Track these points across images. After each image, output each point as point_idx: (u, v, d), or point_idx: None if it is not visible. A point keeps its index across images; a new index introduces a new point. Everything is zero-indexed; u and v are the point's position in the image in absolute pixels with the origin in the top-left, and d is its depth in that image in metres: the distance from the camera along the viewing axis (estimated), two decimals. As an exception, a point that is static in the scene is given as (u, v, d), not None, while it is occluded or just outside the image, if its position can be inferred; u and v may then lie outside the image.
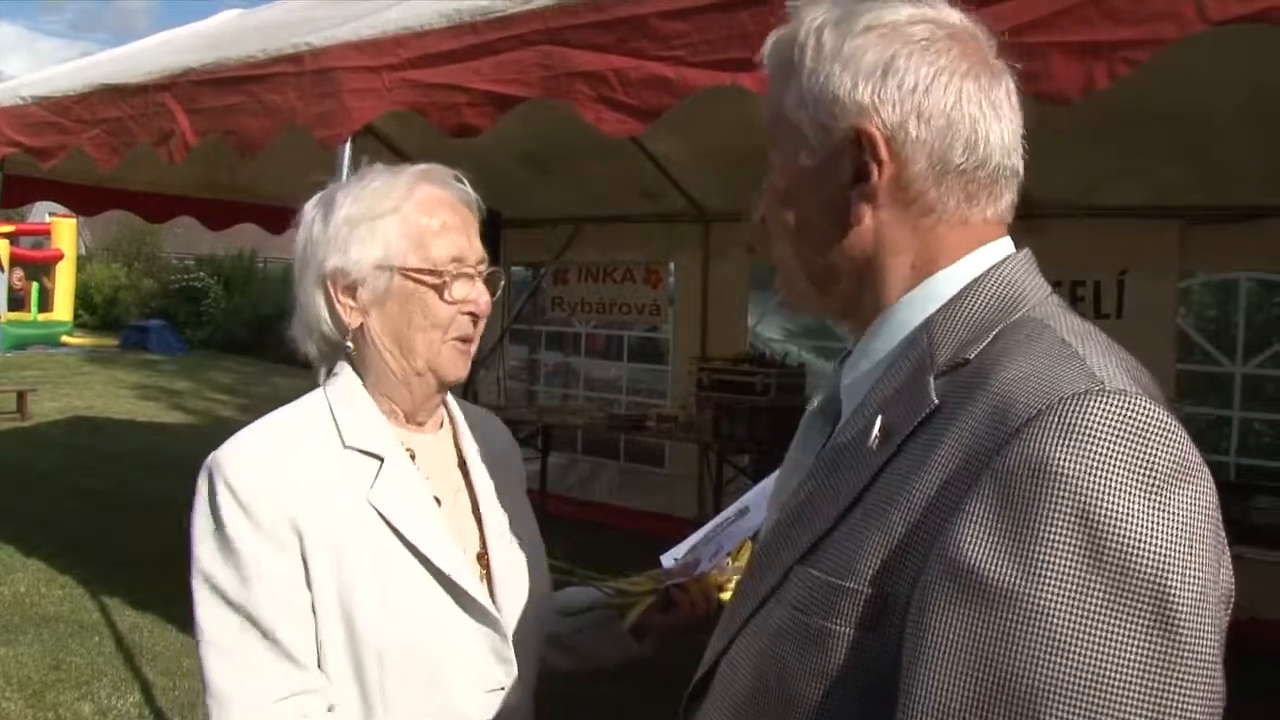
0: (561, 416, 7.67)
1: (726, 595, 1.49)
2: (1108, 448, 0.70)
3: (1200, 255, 5.45)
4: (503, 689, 1.36)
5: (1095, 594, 0.67)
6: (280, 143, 3.26)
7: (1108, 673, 0.66)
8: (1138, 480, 0.69)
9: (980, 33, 0.92)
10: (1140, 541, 0.67)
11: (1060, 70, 1.83)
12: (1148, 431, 0.71)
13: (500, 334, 8.11)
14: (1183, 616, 0.67)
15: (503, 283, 1.44)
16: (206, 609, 1.24)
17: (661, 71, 2.34)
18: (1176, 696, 0.67)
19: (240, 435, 1.30)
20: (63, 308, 19.79)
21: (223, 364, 18.48)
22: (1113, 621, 0.67)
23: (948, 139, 0.87)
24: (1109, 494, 0.68)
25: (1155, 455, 0.70)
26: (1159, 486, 0.69)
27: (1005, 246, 0.92)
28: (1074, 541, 0.68)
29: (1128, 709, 0.66)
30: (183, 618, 4.73)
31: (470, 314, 1.36)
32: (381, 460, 1.31)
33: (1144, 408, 0.72)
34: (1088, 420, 0.71)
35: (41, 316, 19.36)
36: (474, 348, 1.40)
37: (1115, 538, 0.67)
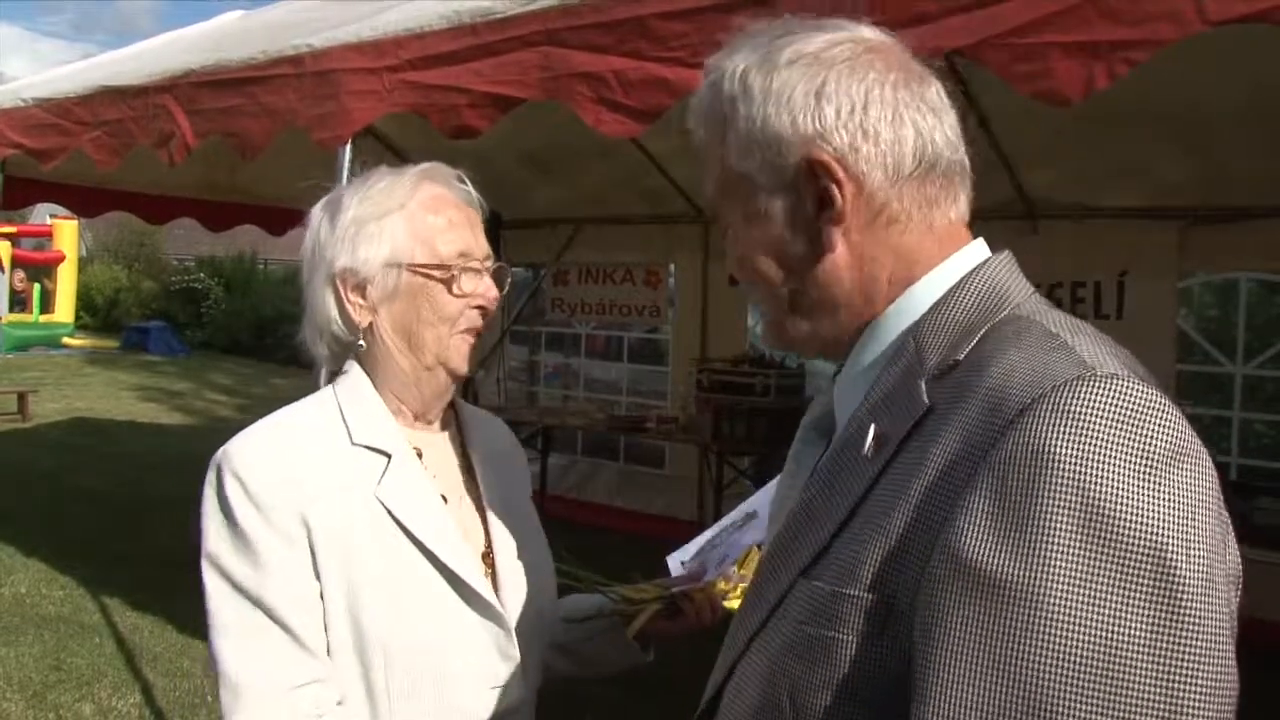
0: (561, 417, 7.67)
1: (733, 604, 1.49)
2: (1104, 432, 0.70)
3: (1200, 256, 5.45)
4: (507, 685, 1.37)
5: (1100, 578, 0.67)
6: (280, 144, 3.27)
7: (1118, 654, 0.66)
8: (1136, 462, 0.69)
9: (896, 41, 0.93)
10: (1141, 525, 0.68)
11: (1060, 71, 1.83)
12: (1143, 414, 0.71)
13: (500, 335, 8.11)
14: (1188, 593, 0.67)
15: (509, 279, 1.47)
16: (219, 599, 1.25)
17: (661, 72, 2.34)
18: (1188, 673, 0.67)
19: (250, 430, 1.32)
20: (64, 309, 19.81)
21: (223, 365, 18.50)
22: (1119, 603, 0.67)
23: (897, 149, 0.88)
24: (1108, 477, 0.68)
25: (1151, 437, 0.70)
26: (1157, 467, 0.69)
27: (981, 250, 0.93)
28: (1075, 527, 0.68)
29: (1140, 688, 0.66)
30: (183, 618, 4.76)
31: (478, 308, 1.38)
32: (389, 457, 1.33)
33: (1137, 390, 0.72)
34: (1082, 405, 0.71)
35: (43, 318, 19.38)
36: (481, 342, 1.42)
37: (1116, 520, 0.68)
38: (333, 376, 1.43)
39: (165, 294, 22.75)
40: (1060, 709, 0.66)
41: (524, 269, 8.37)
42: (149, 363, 17.95)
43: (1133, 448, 0.69)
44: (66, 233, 19.37)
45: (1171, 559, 0.67)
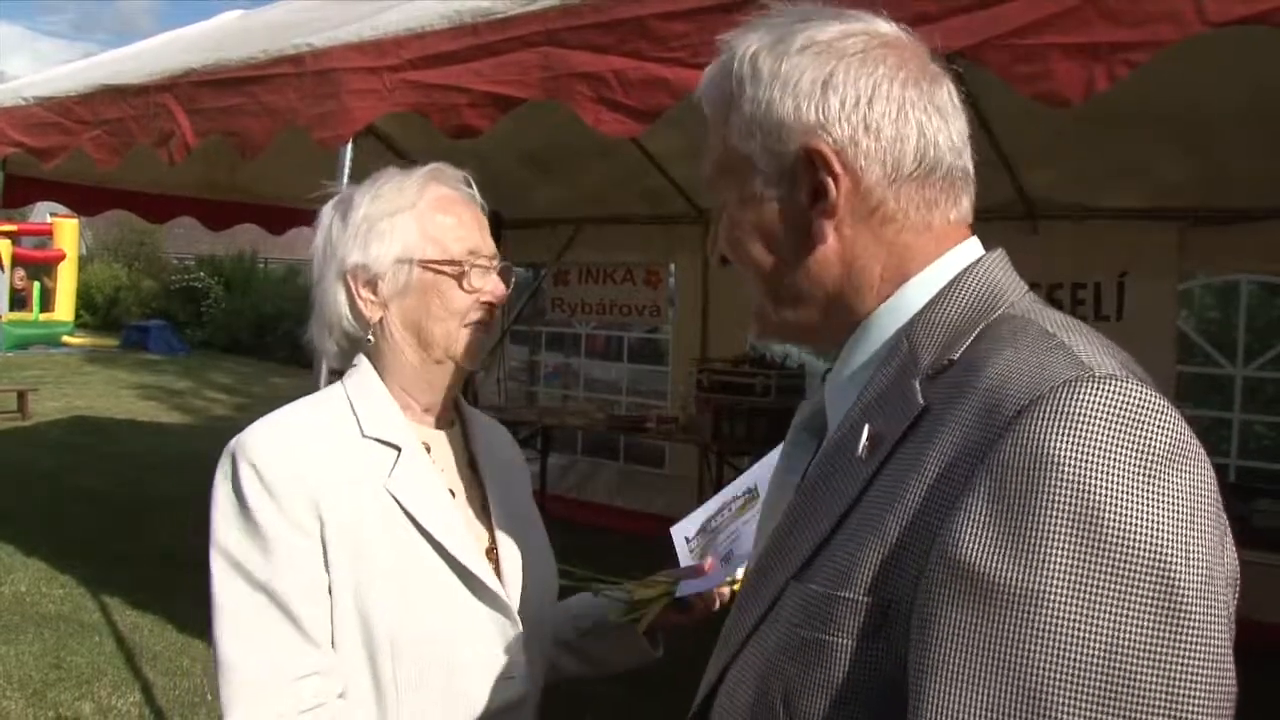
0: (561, 417, 7.67)
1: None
2: (1102, 433, 0.69)
3: (1201, 257, 5.45)
4: (514, 677, 1.39)
5: (1099, 581, 0.67)
6: (281, 144, 3.27)
7: (1119, 657, 0.66)
8: (1135, 463, 0.68)
9: (913, 39, 0.92)
10: (1140, 527, 0.67)
11: (1060, 72, 1.83)
12: (1141, 414, 0.70)
13: (501, 335, 8.11)
14: (1188, 596, 0.67)
15: (514, 278, 1.50)
16: (226, 586, 1.25)
17: (661, 72, 2.35)
18: (1189, 674, 0.66)
19: (264, 421, 1.34)
20: (64, 308, 19.80)
21: (223, 364, 18.49)
22: (1119, 607, 0.66)
23: (898, 147, 0.87)
24: (1107, 479, 0.68)
25: (1150, 438, 0.70)
26: (1156, 468, 0.69)
27: (975, 248, 0.92)
28: (1075, 529, 0.67)
29: (1142, 690, 0.66)
30: (183, 617, 4.76)
31: (486, 304, 1.41)
32: (399, 450, 1.35)
33: (1135, 391, 0.72)
34: (1080, 407, 0.70)
35: (43, 316, 19.37)
36: (488, 337, 1.45)
37: (1116, 523, 0.67)
38: (333, 376, 1.45)
39: (165, 293, 22.73)
40: (1062, 712, 0.66)
41: (524, 269, 8.38)
42: (149, 361, 17.93)
43: (1132, 449, 0.69)
44: (67, 231, 19.37)
45: (1171, 561, 0.67)
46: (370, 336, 1.40)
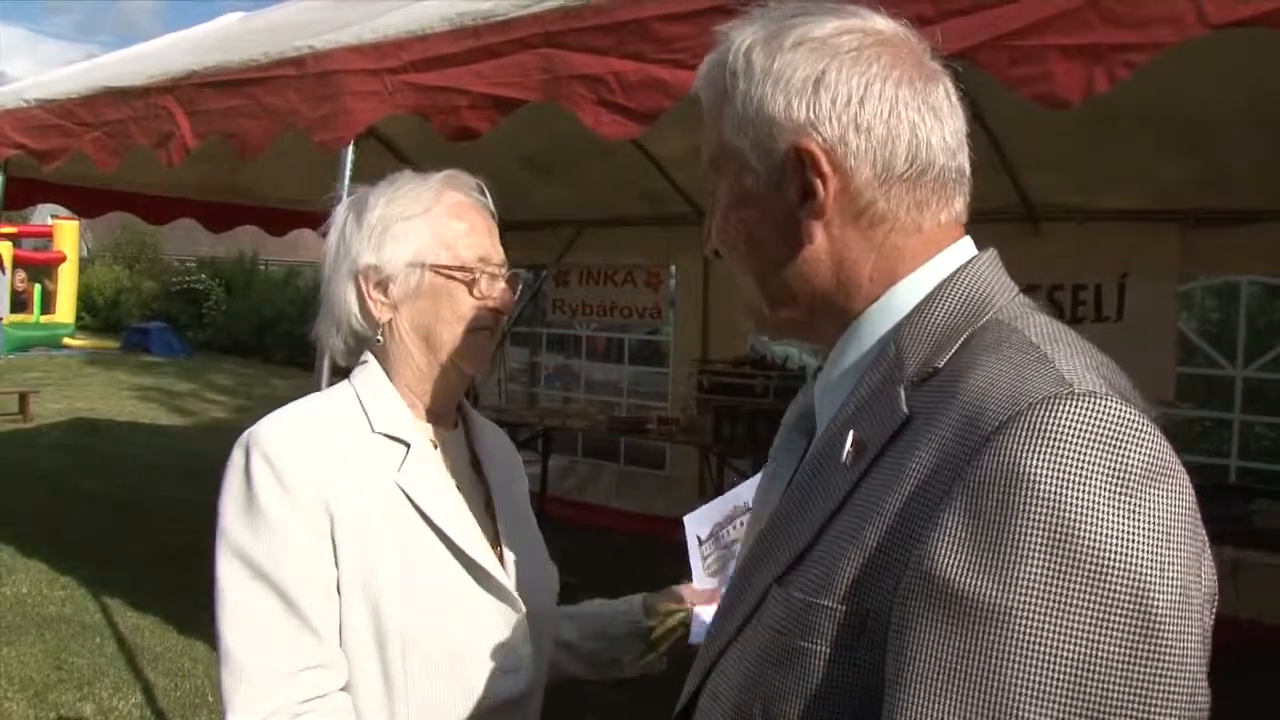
0: (562, 419, 7.67)
1: None
2: (1079, 452, 0.69)
3: (1201, 258, 5.44)
4: (521, 670, 1.40)
5: (1074, 601, 0.66)
6: (282, 146, 3.27)
7: (1092, 675, 0.65)
8: (1111, 483, 0.68)
9: (912, 37, 0.91)
10: (1116, 546, 0.67)
11: (1060, 74, 1.84)
12: (1119, 433, 0.70)
13: (501, 336, 8.11)
14: (1163, 618, 0.66)
15: (521, 286, 1.51)
16: (230, 576, 1.25)
17: (660, 74, 2.35)
18: (1162, 702, 0.66)
19: (277, 414, 1.35)
20: (65, 310, 19.81)
21: (224, 366, 18.50)
22: (1094, 630, 0.66)
23: (889, 147, 0.86)
24: (1082, 498, 0.67)
25: (1128, 457, 0.69)
26: (1133, 489, 0.68)
27: (967, 249, 0.91)
28: (1050, 548, 0.67)
29: (1113, 710, 0.65)
30: (184, 618, 4.76)
31: (494, 310, 1.43)
32: (409, 446, 1.37)
33: (1115, 409, 0.71)
34: (1058, 425, 0.70)
35: (44, 318, 19.38)
36: (493, 343, 1.46)
37: (1091, 542, 0.67)
38: (335, 377, 1.46)
39: (166, 294, 22.74)
40: None
41: (525, 270, 8.39)
42: (150, 363, 17.94)
43: (1108, 468, 0.68)
44: (67, 233, 19.39)
45: (1146, 581, 0.66)
46: (379, 337, 1.42)
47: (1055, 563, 0.67)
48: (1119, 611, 0.66)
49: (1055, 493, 0.67)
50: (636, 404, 8.11)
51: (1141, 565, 0.66)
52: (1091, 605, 0.66)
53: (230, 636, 1.24)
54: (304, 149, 3.08)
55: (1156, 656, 0.66)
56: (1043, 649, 0.66)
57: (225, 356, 19.82)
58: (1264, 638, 4.99)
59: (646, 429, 7.03)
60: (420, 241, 1.39)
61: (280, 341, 19.37)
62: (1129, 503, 0.68)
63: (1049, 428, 0.70)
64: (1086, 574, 0.66)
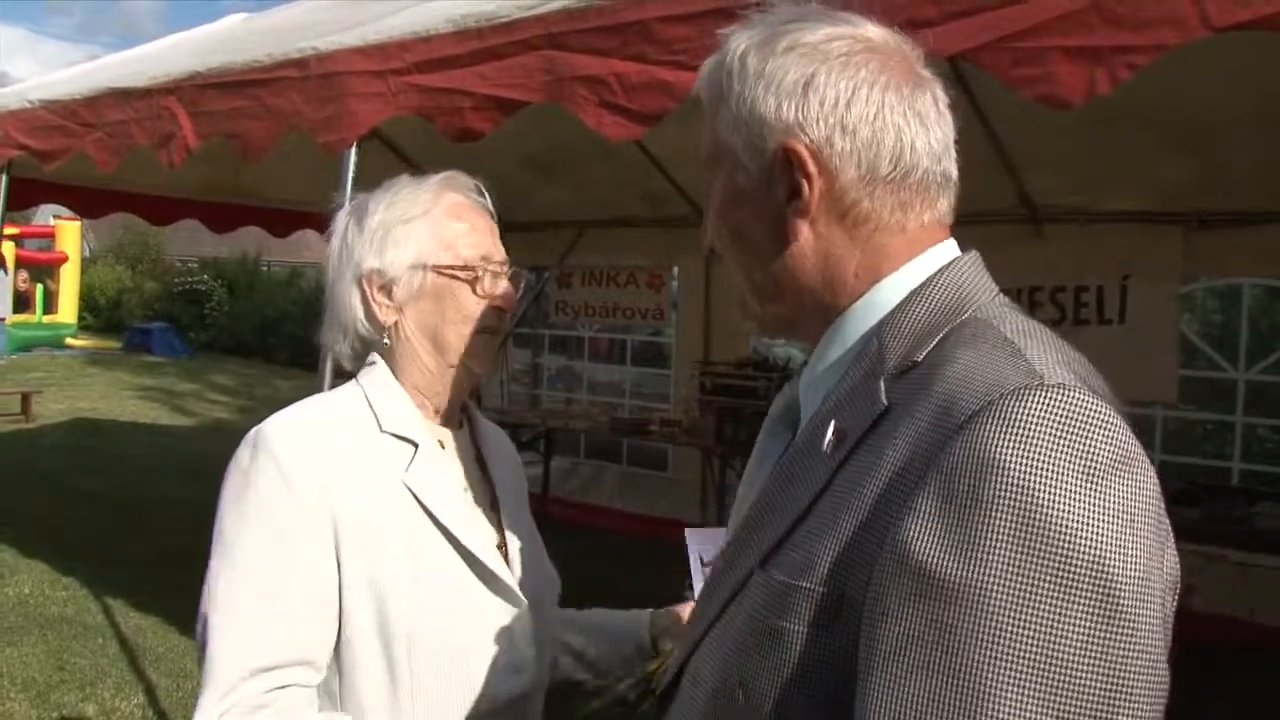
0: (564, 420, 7.68)
1: None
2: (1048, 441, 0.71)
3: (1204, 260, 5.44)
4: (525, 669, 1.41)
5: (1040, 584, 0.69)
6: (285, 147, 3.27)
7: (1057, 660, 0.68)
8: (1077, 471, 0.71)
9: (904, 44, 0.94)
10: (1081, 531, 0.69)
11: (1062, 75, 1.84)
12: (1086, 424, 0.73)
13: (504, 337, 8.12)
14: (1126, 602, 0.69)
15: (524, 284, 1.52)
16: (221, 573, 1.26)
17: (662, 75, 2.35)
18: (1125, 680, 0.68)
19: (284, 413, 1.36)
20: (67, 310, 19.85)
21: (226, 367, 18.51)
22: (1059, 610, 0.68)
23: (874, 149, 0.89)
24: (1050, 486, 0.70)
25: (1094, 446, 0.72)
26: (1099, 477, 0.71)
27: (950, 250, 0.94)
28: (1018, 532, 0.70)
29: (1077, 688, 0.68)
30: (186, 619, 4.75)
31: (497, 309, 1.44)
32: (416, 446, 1.38)
33: (1082, 401, 0.74)
34: (1028, 414, 0.73)
35: (46, 319, 19.42)
36: (498, 341, 1.48)
37: (1057, 528, 0.69)
38: (338, 378, 1.47)
39: (168, 295, 22.77)
40: (997, 707, 0.68)
41: (527, 272, 8.39)
42: (152, 364, 17.96)
43: (1075, 457, 0.71)
44: (69, 234, 19.42)
45: (1110, 565, 0.69)
46: (385, 340, 1.43)
47: (1023, 546, 0.69)
48: (1083, 594, 0.69)
49: (1024, 479, 0.70)
50: (639, 405, 8.12)
51: (1105, 550, 0.69)
52: (1057, 587, 0.69)
53: (210, 630, 1.24)
54: (307, 150, 3.08)
55: (1118, 638, 0.69)
56: (1009, 628, 0.69)
57: (227, 357, 19.84)
58: (1269, 638, 5.00)
59: (649, 430, 7.04)
60: (421, 243, 1.40)
61: (283, 342, 19.39)
62: (1095, 491, 0.70)
63: (1019, 417, 0.73)
64: (1053, 557, 0.69)
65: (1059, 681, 0.68)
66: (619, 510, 7.64)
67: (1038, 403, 0.73)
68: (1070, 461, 0.71)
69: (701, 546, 1.64)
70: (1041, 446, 0.71)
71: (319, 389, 1.50)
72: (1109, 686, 0.68)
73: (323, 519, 1.27)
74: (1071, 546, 0.69)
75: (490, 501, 1.49)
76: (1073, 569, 0.69)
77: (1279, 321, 6.66)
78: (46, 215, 19.20)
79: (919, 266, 0.91)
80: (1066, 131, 4.32)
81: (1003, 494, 0.70)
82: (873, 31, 0.92)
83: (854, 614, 0.77)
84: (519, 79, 2.64)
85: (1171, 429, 6.26)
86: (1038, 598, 0.68)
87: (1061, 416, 0.72)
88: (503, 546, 1.46)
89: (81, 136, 4.09)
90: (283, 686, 1.24)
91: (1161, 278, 5.38)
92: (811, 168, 0.89)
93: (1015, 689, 0.68)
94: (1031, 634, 0.68)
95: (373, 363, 1.44)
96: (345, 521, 1.28)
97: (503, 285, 1.44)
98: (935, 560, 0.72)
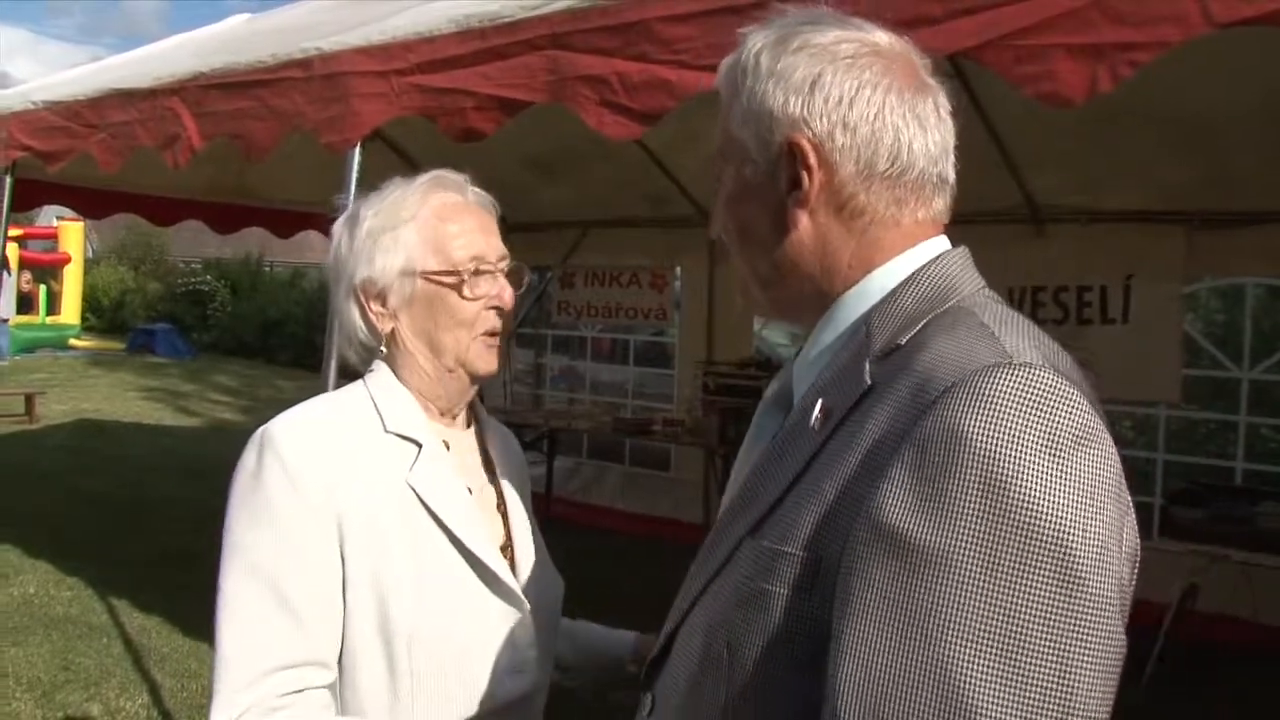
0: (567, 420, 7.68)
1: None
2: (1013, 415, 0.76)
3: (1207, 260, 5.42)
4: (526, 670, 1.41)
5: (1003, 550, 0.73)
6: (289, 148, 3.28)
7: (1016, 620, 0.72)
8: (1041, 444, 0.75)
9: (910, 51, 0.99)
10: (1042, 499, 0.73)
11: (1063, 72, 1.84)
12: (1050, 400, 0.77)
13: (506, 336, 8.12)
14: (1084, 568, 0.73)
15: (527, 277, 1.52)
16: (229, 572, 1.27)
17: (664, 74, 2.35)
18: (1080, 642, 0.72)
19: (291, 413, 1.36)
20: (70, 311, 19.87)
21: (229, 367, 18.52)
22: (1019, 573, 0.73)
23: (872, 146, 0.94)
24: (1014, 456, 0.74)
25: (1057, 421, 0.76)
26: (1061, 450, 0.75)
27: (941, 245, 1.00)
28: (983, 501, 0.74)
29: (1035, 652, 0.72)
30: (191, 619, 4.77)
31: (494, 309, 1.43)
32: (420, 446, 1.38)
33: (1047, 379, 0.79)
34: (995, 390, 0.77)
35: (49, 319, 19.44)
36: (501, 341, 1.47)
37: (1020, 496, 0.73)
38: (342, 380, 1.47)
39: (171, 296, 22.80)
40: (959, 665, 0.72)
41: (530, 272, 8.38)
42: (155, 365, 17.98)
43: (1039, 431, 0.75)
44: (72, 234, 19.44)
45: (1068, 535, 0.73)
46: (384, 348, 1.43)
47: (987, 513, 0.74)
48: (1042, 560, 0.73)
49: (990, 451, 0.75)
50: (641, 405, 8.11)
51: (1065, 520, 0.73)
52: (1018, 554, 0.73)
53: (223, 630, 1.25)
54: (311, 151, 3.09)
55: (1075, 604, 0.73)
56: (973, 590, 0.73)
57: (230, 358, 19.85)
58: (1270, 641, 4.99)
59: (651, 430, 7.04)
60: (410, 249, 1.39)
61: (285, 343, 19.40)
62: (1057, 462, 0.75)
63: (987, 392, 0.77)
64: (1015, 525, 0.73)
65: (1017, 642, 0.72)
66: (621, 510, 7.64)
67: (1005, 380, 0.78)
68: (1034, 435, 0.75)
69: None
70: (1007, 420, 0.76)
71: (322, 389, 1.51)
72: (1063, 649, 0.72)
73: (329, 519, 1.28)
74: (1033, 516, 0.73)
75: (496, 503, 1.50)
76: (1034, 537, 0.73)
77: (1282, 321, 6.64)
78: (50, 216, 19.24)
79: (910, 259, 0.97)
80: (1069, 130, 4.32)
81: (970, 464, 0.75)
82: (880, 37, 0.98)
83: (831, 576, 0.82)
84: (522, 79, 2.64)
85: (1175, 429, 6.24)
86: (1000, 563, 0.73)
87: (1026, 393, 0.77)
88: (507, 548, 1.46)
89: (85, 137, 4.09)
90: (299, 690, 1.25)
91: (1164, 277, 5.38)
92: (813, 161, 0.95)
93: (976, 648, 0.72)
94: (993, 596, 0.72)
95: (376, 368, 1.45)
96: (350, 521, 1.28)
97: (497, 285, 1.43)
98: (906, 525, 0.76)
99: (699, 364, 6.99)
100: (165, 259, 25.66)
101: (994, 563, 0.73)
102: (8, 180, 4.66)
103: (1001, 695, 0.71)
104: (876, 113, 0.94)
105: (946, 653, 0.72)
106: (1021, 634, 0.72)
